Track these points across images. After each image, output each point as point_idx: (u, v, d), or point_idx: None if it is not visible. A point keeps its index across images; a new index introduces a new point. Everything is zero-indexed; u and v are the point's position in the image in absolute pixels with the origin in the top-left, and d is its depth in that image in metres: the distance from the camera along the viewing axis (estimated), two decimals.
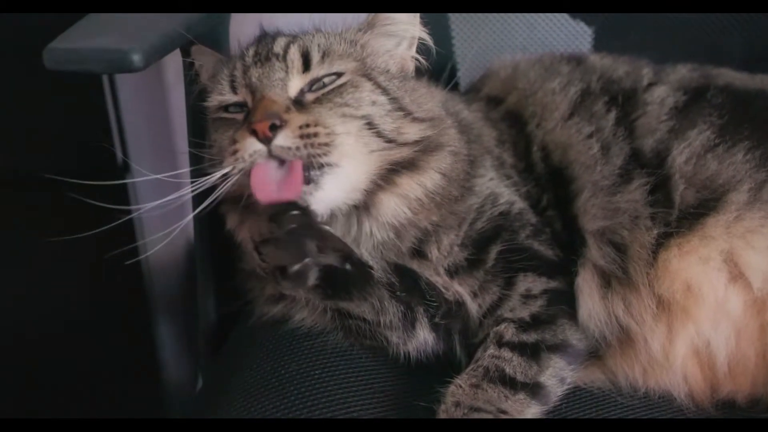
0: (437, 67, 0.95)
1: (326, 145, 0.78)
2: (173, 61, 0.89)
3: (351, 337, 0.89)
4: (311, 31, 0.89)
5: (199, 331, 1.04)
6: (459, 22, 1.21)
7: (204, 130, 0.89)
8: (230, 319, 1.00)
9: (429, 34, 0.90)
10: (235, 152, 0.78)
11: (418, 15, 0.89)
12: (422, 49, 0.91)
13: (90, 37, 0.81)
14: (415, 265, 0.87)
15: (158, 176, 0.83)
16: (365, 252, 0.86)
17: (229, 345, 0.97)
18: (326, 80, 0.83)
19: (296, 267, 0.78)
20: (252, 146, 0.77)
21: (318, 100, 0.81)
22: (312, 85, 0.83)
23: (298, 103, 0.81)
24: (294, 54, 0.83)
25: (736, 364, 0.83)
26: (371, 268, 0.86)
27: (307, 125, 0.78)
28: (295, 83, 0.82)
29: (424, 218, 0.86)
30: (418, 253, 0.87)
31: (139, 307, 1.34)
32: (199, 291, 1.03)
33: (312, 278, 0.80)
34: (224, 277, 0.98)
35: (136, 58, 0.76)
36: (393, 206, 0.85)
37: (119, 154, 1.21)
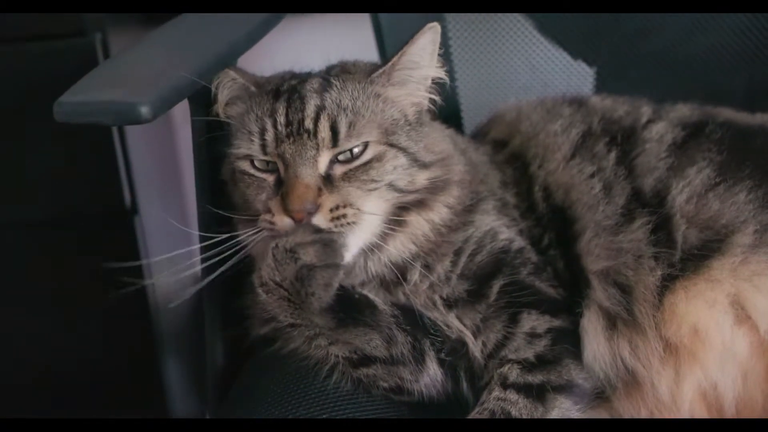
0: (443, 112, 0.96)
1: (354, 223, 0.83)
2: (180, 103, 0.90)
3: (361, 388, 0.89)
4: (337, 79, 0.89)
5: (207, 373, 1.04)
6: (462, 65, 1.22)
7: (212, 163, 0.91)
8: (238, 360, 1.00)
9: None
10: (271, 223, 0.84)
11: (437, 55, 0.89)
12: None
13: (99, 89, 0.82)
14: (400, 292, 0.88)
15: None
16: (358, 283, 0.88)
17: (237, 387, 0.97)
18: (354, 150, 0.86)
19: (338, 260, 0.83)
20: (289, 225, 0.83)
21: (346, 177, 0.85)
22: (338, 155, 0.85)
23: (328, 179, 0.84)
24: (324, 131, 0.85)
25: (743, 406, 0.83)
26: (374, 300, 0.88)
27: (337, 207, 0.83)
28: (325, 158, 0.85)
29: (425, 248, 0.88)
30: (402, 277, 0.88)
31: (147, 347, 1.34)
32: (207, 332, 1.03)
33: (335, 285, 0.84)
34: (232, 318, 0.98)
35: (144, 110, 0.76)
36: (400, 246, 0.87)
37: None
